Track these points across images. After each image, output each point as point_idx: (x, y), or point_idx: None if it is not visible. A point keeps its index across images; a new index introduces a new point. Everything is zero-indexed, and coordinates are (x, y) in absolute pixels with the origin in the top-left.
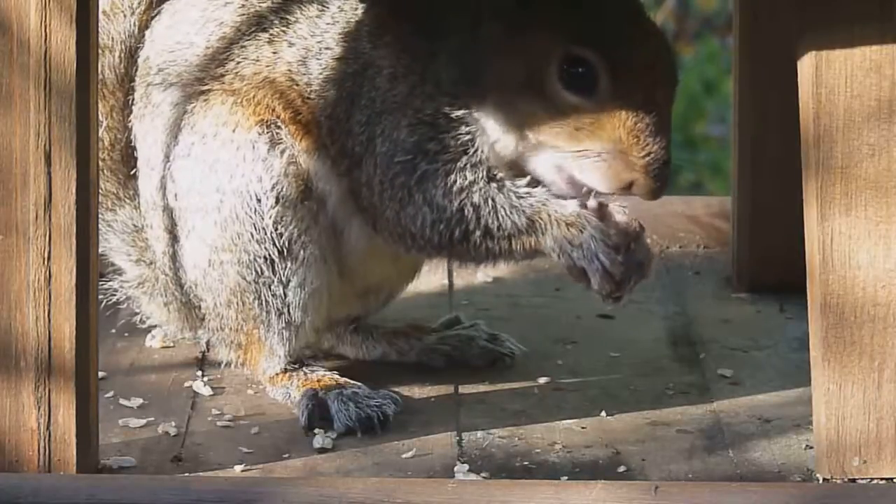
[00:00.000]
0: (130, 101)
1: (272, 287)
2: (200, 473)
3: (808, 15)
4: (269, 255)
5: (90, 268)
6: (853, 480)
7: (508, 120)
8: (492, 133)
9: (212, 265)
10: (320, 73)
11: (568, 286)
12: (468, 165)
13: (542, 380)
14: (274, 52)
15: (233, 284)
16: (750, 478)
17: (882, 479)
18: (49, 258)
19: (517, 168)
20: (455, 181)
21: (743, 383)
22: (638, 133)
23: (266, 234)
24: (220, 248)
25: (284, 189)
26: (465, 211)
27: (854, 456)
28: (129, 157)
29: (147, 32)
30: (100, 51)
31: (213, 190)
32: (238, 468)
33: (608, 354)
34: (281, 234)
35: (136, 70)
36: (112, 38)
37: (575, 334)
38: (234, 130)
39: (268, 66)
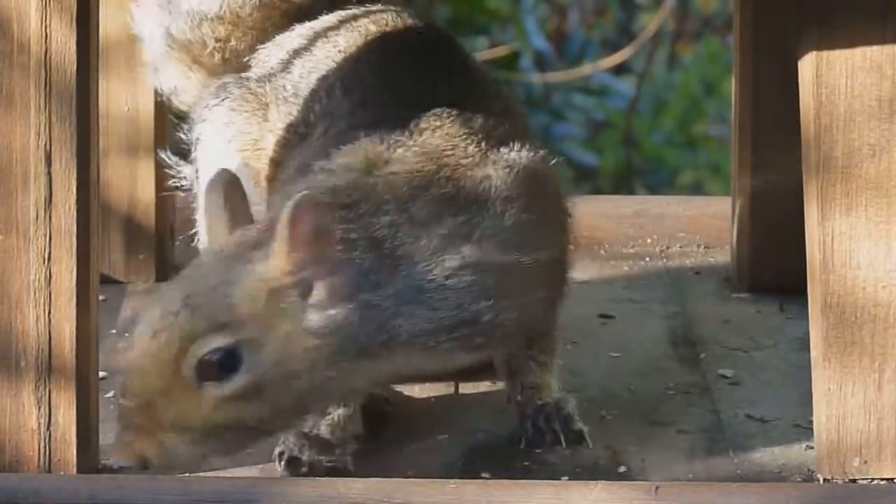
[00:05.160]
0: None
1: None
2: (201, 474)
3: (808, 14)
4: None
5: (90, 268)
6: (854, 481)
7: None
8: None
9: None
10: None
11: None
12: None
13: None
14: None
15: None
16: (750, 478)
17: (883, 479)
18: (49, 258)
19: None
20: None
21: (743, 383)
22: None
23: None
24: None
25: None
26: None
27: (855, 456)
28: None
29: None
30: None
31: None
32: (238, 468)
33: (608, 354)
34: None
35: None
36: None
37: (575, 334)
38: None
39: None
